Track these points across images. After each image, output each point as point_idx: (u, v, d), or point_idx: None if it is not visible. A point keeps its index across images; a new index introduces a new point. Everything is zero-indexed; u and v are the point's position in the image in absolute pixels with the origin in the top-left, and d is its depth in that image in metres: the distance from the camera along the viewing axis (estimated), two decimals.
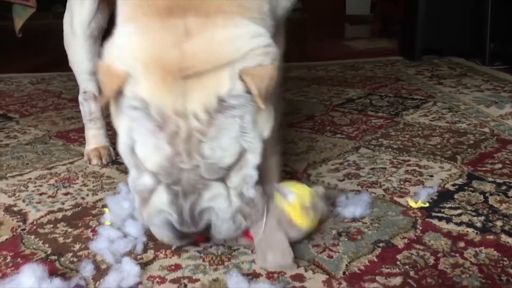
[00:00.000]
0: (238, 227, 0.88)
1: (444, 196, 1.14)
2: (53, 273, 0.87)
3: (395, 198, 1.14)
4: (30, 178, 1.32)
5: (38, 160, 1.46)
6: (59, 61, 2.97)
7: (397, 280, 0.84)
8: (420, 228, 1.00)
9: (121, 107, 0.86)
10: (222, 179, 0.86)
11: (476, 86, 2.17)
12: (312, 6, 4.99)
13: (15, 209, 1.14)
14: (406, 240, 0.96)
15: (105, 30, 1.32)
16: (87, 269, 0.88)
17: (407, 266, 0.88)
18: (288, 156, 1.42)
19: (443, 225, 1.01)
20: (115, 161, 1.42)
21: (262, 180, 0.91)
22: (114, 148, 1.48)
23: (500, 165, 1.31)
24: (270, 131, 0.90)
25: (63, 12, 1.38)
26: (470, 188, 1.18)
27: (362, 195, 1.11)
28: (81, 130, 1.64)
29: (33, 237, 1.01)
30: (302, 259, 0.91)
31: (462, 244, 0.94)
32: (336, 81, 2.42)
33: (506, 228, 0.99)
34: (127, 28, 0.87)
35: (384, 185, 1.21)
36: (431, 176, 1.25)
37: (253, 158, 0.87)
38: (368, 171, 1.30)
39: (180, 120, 0.81)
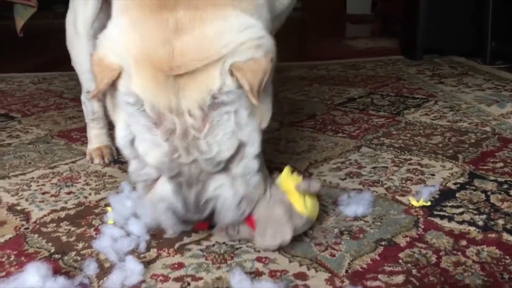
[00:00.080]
0: (242, 213, 0.90)
1: (445, 194, 1.14)
2: (57, 271, 0.87)
3: (397, 197, 1.14)
4: (32, 177, 1.32)
5: (40, 159, 1.46)
6: (60, 61, 2.97)
7: (400, 278, 0.84)
8: (422, 226, 1.00)
9: (117, 101, 0.86)
10: (225, 169, 0.87)
11: (477, 85, 2.17)
12: (313, 5, 5.00)
13: (18, 208, 1.15)
14: (408, 239, 0.96)
15: None
16: (91, 268, 0.88)
17: (409, 265, 0.88)
18: (290, 155, 1.43)
19: (445, 223, 1.02)
20: (117, 160, 1.43)
21: (263, 167, 0.93)
22: (116, 148, 1.48)
23: (501, 164, 1.31)
24: (269, 120, 0.90)
25: (64, 12, 1.38)
26: (472, 187, 1.18)
27: (364, 194, 1.11)
28: (83, 129, 1.64)
29: (36, 236, 1.02)
30: (304, 257, 0.91)
31: (464, 243, 0.94)
32: (337, 80, 2.42)
33: (508, 226, 1.00)
34: (120, 20, 0.87)
35: (385, 184, 1.22)
36: (433, 175, 1.26)
37: (252, 149, 0.88)
38: (369, 170, 1.31)
39: (175, 118, 0.82)
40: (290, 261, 0.90)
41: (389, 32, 3.89)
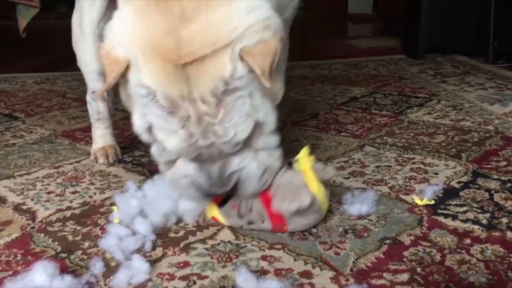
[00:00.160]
0: (264, 183, 0.92)
1: (449, 193, 1.15)
2: (63, 270, 0.88)
3: (400, 196, 1.14)
4: (37, 177, 1.33)
5: (45, 159, 1.47)
6: (62, 61, 2.98)
7: (404, 277, 0.85)
8: (426, 225, 1.01)
9: (130, 93, 0.87)
10: (246, 144, 0.88)
11: (479, 84, 2.17)
12: (315, 5, 5.00)
13: (24, 207, 1.15)
14: (412, 237, 0.96)
15: None
16: (97, 267, 0.89)
17: (414, 263, 0.88)
18: (293, 155, 1.43)
19: (449, 222, 1.02)
20: (122, 160, 1.43)
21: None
22: (120, 147, 1.49)
23: (504, 163, 1.31)
24: (282, 95, 0.92)
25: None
26: (475, 186, 1.18)
27: (368, 193, 1.11)
28: (87, 129, 1.65)
29: (42, 235, 1.02)
30: (309, 256, 0.91)
31: (468, 241, 0.95)
32: (339, 79, 2.42)
33: None
34: (125, 10, 0.87)
35: (389, 182, 1.22)
36: (436, 173, 1.26)
37: (269, 127, 0.90)
38: (373, 169, 1.31)
39: (188, 105, 0.82)
40: (295, 260, 0.91)
41: (390, 31, 3.89)
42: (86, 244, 0.98)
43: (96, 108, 1.43)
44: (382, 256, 0.91)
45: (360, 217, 1.05)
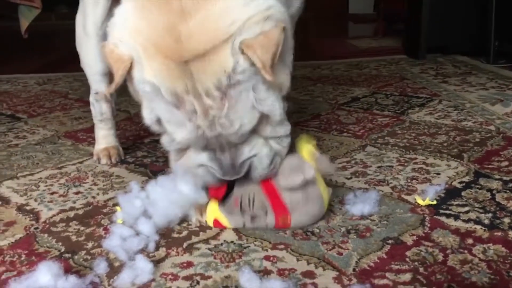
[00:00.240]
0: (273, 167, 0.95)
1: (451, 193, 1.15)
2: (67, 270, 0.88)
3: (402, 196, 1.15)
4: (41, 178, 1.34)
5: (48, 160, 1.47)
6: (63, 61, 2.99)
7: (407, 277, 0.85)
8: (429, 225, 1.01)
9: (136, 90, 0.88)
10: (254, 133, 0.90)
11: (481, 84, 2.17)
12: (315, 5, 5.00)
13: (28, 208, 1.16)
14: (414, 237, 0.97)
15: None
16: (101, 267, 0.89)
17: (416, 263, 0.89)
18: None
19: (451, 222, 1.02)
20: (124, 161, 1.44)
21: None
22: (123, 148, 1.49)
23: (506, 163, 1.31)
24: (289, 85, 0.92)
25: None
26: (477, 186, 1.19)
27: (370, 193, 1.12)
28: (89, 130, 1.66)
29: (46, 235, 1.03)
30: (312, 256, 0.92)
31: (470, 241, 0.95)
32: (341, 80, 2.43)
33: None
34: (126, 7, 0.88)
35: (391, 183, 1.22)
36: (438, 174, 1.26)
37: (276, 117, 0.90)
38: (375, 169, 1.31)
39: (193, 100, 0.83)
40: (298, 260, 0.91)
41: (391, 31, 3.89)
42: (90, 245, 0.99)
43: (100, 109, 1.43)
44: (385, 256, 0.91)
45: (362, 217, 1.05)
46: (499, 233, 0.97)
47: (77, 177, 1.34)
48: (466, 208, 1.08)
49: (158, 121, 0.91)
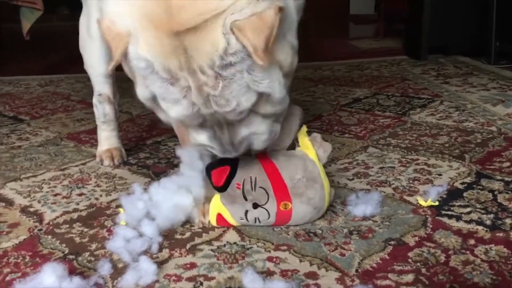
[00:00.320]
0: (272, 138, 0.96)
1: (453, 194, 1.15)
2: (71, 272, 0.89)
3: (404, 197, 1.15)
4: (44, 179, 1.34)
5: (51, 161, 1.48)
6: (65, 63, 3.00)
7: (409, 277, 0.85)
8: (431, 226, 1.02)
9: (131, 65, 0.86)
10: (253, 111, 0.89)
11: (482, 85, 2.18)
12: (316, 5, 5.00)
13: (31, 209, 1.16)
14: (417, 238, 0.97)
15: None
16: (105, 268, 0.90)
17: (418, 264, 0.89)
18: None
19: (453, 223, 1.03)
20: (127, 162, 1.45)
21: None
22: (125, 149, 1.50)
23: (508, 164, 1.32)
24: (290, 61, 0.89)
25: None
26: (479, 187, 1.19)
27: (372, 194, 1.12)
28: (92, 131, 1.67)
29: (50, 237, 1.03)
30: (315, 257, 0.92)
31: (472, 242, 0.95)
32: (342, 81, 2.43)
33: None
34: None
35: (393, 184, 1.23)
36: (440, 174, 1.27)
37: (277, 94, 0.87)
38: (377, 170, 1.32)
39: (187, 76, 0.81)
40: (300, 261, 0.91)
41: (392, 32, 3.90)
42: (94, 246, 0.99)
43: (103, 110, 1.44)
44: (387, 257, 0.91)
45: (364, 218, 1.05)
46: (501, 234, 0.98)
47: (80, 178, 1.34)
48: (468, 209, 1.08)
49: (153, 98, 0.88)
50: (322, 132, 1.65)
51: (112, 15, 0.84)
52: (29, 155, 1.54)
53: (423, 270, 0.87)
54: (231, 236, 1.01)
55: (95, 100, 1.44)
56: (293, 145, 1.08)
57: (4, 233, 1.06)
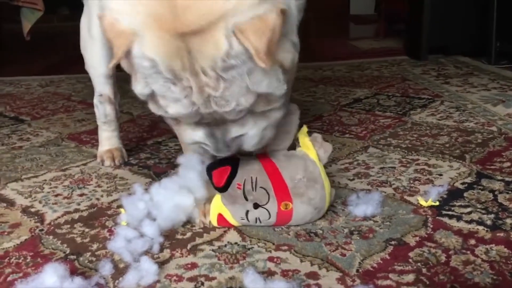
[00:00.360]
0: (266, 141, 0.96)
1: (453, 194, 1.15)
2: (73, 272, 0.89)
3: (405, 197, 1.15)
4: (45, 180, 1.34)
5: (52, 162, 1.48)
6: (66, 63, 3.00)
7: (410, 277, 0.86)
8: (431, 226, 1.02)
9: (132, 63, 0.86)
10: (251, 111, 0.89)
11: (482, 85, 2.18)
12: (316, 5, 5.01)
13: (32, 210, 1.17)
14: (417, 238, 0.97)
15: None
16: (106, 268, 0.90)
17: (419, 264, 0.89)
18: None
19: (453, 223, 1.03)
20: (128, 163, 1.45)
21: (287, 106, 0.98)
22: (126, 150, 1.50)
23: (508, 164, 1.32)
24: (291, 58, 0.89)
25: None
26: (479, 187, 1.19)
27: (373, 194, 1.12)
28: (93, 132, 1.67)
29: (51, 237, 1.04)
30: (315, 257, 0.92)
31: (473, 242, 0.96)
32: (343, 81, 2.43)
33: None
34: None
35: (394, 184, 1.23)
36: (440, 175, 1.27)
37: (277, 92, 0.88)
38: (377, 170, 1.32)
39: (190, 77, 0.82)
40: (301, 261, 0.92)
41: (393, 32, 3.90)
42: (95, 246, 0.99)
43: (103, 111, 1.44)
44: (388, 257, 0.92)
45: (365, 218, 1.06)
46: (502, 234, 0.98)
47: (81, 179, 1.35)
48: (469, 209, 1.08)
49: (151, 94, 0.88)
50: (323, 132, 1.65)
51: (115, 13, 0.84)
52: (30, 155, 1.54)
53: (424, 270, 0.87)
54: (232, 236, 1.01)
55: (96, 101, 1.45)
56: (294, 145, 1.08)
57: (6, 233, 1.06)
